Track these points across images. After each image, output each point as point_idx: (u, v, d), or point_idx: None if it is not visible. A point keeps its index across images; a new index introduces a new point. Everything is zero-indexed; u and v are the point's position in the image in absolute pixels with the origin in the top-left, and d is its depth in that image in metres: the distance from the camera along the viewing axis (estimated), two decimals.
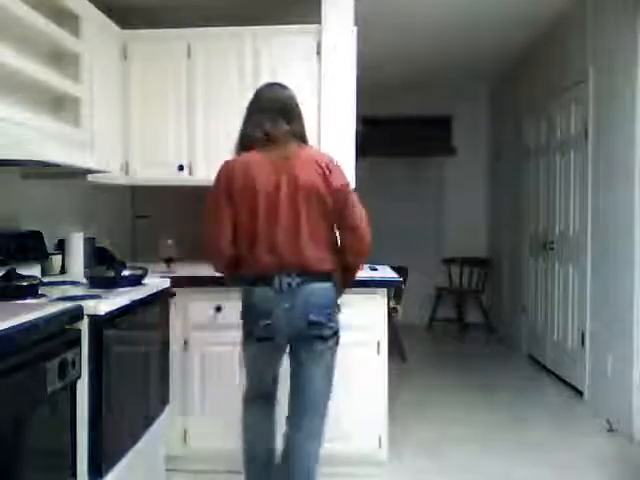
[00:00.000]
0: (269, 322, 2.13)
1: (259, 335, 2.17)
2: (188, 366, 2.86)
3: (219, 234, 2.16)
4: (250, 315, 2.20)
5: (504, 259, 6.23)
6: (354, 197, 2.21)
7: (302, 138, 2.24)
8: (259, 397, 2.33)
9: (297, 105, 2.26)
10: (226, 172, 2.16)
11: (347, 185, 2.20)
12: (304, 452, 2.19)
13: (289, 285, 2.10)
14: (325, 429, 2.25)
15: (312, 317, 2.12)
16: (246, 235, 2.14)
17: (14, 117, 2.14)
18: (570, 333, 4.34)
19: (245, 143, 2.20)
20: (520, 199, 5.64)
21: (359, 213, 2.19)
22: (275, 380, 2.33)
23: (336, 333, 2.21)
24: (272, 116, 2.18)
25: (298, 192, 2.10)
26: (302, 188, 2.10)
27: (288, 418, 2.25)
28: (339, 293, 2.25)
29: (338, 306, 2.24)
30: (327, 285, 2.16)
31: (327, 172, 2.13)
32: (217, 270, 2.31)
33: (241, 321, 2.25)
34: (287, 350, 2.25)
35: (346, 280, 2.29)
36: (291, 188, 2.10)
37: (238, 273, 2.22)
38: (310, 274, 2.12)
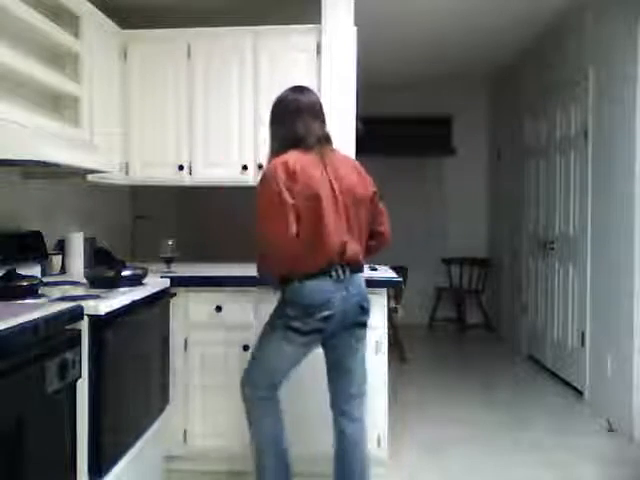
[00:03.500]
0: (329, 313, 2.17)
1: (309, 328, 2.17)
2: (188, 366, 2.85)
3: (286, 230, 2.09)
4: (305, 308, 2.17)
5: (504, 259, 6.23)
6: (381, 203, 2.39)
7: (331, 140, 2.34)
8: (274, 393, 2.32)
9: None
10: (285, 169, 2.13)
11: (377, 191, 2.36)
12: (361, 443, 2.31)
13: (344, 275, 2.20)
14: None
15: (365, 304, 2.28)
16: (310, 233, 2.13)
17: (14, 117, 2.14)
18: (570, 333, 4.34)
19: (291, 143, 2.22)
20: (520, 199, 5.64)
21: (387, 220, 2.42)
22: (289, 370, 2.33)
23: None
24: (316, 119, 2.27)
25: (346, 191, 2.22)
26: (348, 188, 2.23)
27: (335, 406, 2.33)
28: None
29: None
30: (362, 275, 2.32)
31: (364, 177, 2.32)
32: (278, 268, 2.22)
33: (278, 320, 2.25)
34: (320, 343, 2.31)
35: None
36: (341, 188, 2.21)
37: (294, 269, 2.19)
38: (356, 266, 2.25)
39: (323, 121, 2.30)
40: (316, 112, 2.28)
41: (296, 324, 2.19)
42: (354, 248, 2.22)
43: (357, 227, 2.25)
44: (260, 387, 2.31)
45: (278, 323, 2.25)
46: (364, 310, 2.27)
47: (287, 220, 2.09)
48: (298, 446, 2.42)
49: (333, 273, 2.18)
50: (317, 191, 2.14)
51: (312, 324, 2.17)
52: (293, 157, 2.17)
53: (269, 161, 2.26)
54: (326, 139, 2.28)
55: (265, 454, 2.30)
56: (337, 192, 2.19)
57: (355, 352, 2.30)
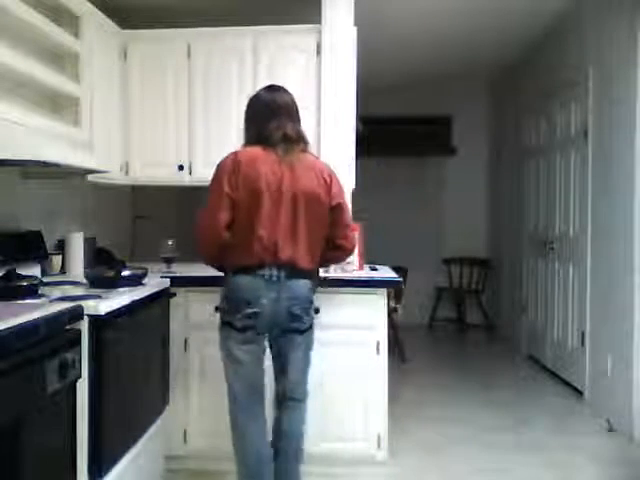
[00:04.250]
0: (256, 310, 2.16)
1: (241, 325, 2.18)
2: (188, 366, 2.85)
3: (218, 217, 2.15)
4: (234, 302, 2.20)
5: (504, 259, 6.23)
6: (349, 215, 2.35)
7: (306, 141, 2.31)
8: (252, 400, 2.28)
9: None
10: (233, 159, 2.19)
11: (344, 203, 2.32)
12: (294, 430, 2.32)
13: (277, 277, 2.17)
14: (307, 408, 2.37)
15: (294, 310, 2.21)
16: (243, 226, 2.17)
17: (14, 117, 2.14)
18: (570, 333, 4.34)
19: (256, 140, 2.23)
20: (520, 199, 5.64)
21: (352, 236, 2.35)
22: (262, 378, 2.31)
23: (311, 326, 2.32)
24: (289, 119, 2.25)
25: (299, 195, 2.18)
26: (303, 192, 2.19)
27: (276, 400, 2.35)
28: (315, 289, 2.33)
29: (312, 303, 2.32)
30: (307, 282, 2.25)
31: (329, 184, 2.25)
32: (208, 253, 2.27)
33: (220, 317, 2.26)
34: (267, 342, 2.31)
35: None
36: (293, 189, 2.18)
37: (226, 261, 2.24)
38: (296, 270, 2.20)
39: (295, 121, 2.29)
40: (289, 112, 2.27)
41: (230, 318, 2.21)
42: (291, 251, 2.17)
43: (304, 232, 2.19)
44: (240, 396, 2.27)
45: (221, 321, 2.27)
46: (294, 317, 2.21)
47: (219, 206, 2.14)
48: None
49: (266, 273, 2.16)
50: (258, 186, 2.14)
51: (242, 320, 2.18)
52: (248, 151, 2.22)
53: None
54: (296, 139, 2.24)
55: (242, 473, 2.29)
56: (284, 192, 2.16)
57: (294, 358, 2.28)
